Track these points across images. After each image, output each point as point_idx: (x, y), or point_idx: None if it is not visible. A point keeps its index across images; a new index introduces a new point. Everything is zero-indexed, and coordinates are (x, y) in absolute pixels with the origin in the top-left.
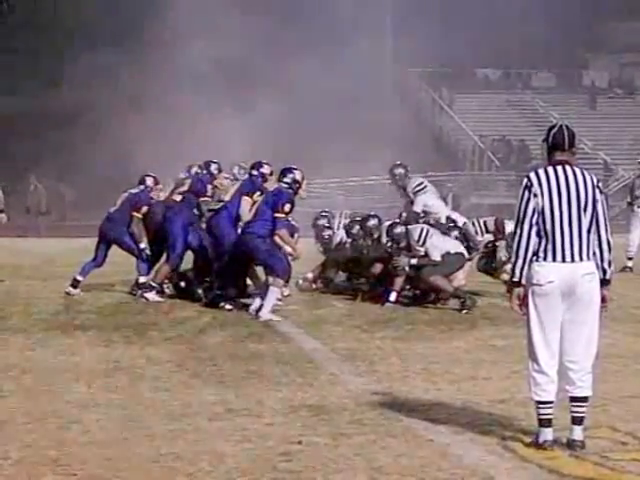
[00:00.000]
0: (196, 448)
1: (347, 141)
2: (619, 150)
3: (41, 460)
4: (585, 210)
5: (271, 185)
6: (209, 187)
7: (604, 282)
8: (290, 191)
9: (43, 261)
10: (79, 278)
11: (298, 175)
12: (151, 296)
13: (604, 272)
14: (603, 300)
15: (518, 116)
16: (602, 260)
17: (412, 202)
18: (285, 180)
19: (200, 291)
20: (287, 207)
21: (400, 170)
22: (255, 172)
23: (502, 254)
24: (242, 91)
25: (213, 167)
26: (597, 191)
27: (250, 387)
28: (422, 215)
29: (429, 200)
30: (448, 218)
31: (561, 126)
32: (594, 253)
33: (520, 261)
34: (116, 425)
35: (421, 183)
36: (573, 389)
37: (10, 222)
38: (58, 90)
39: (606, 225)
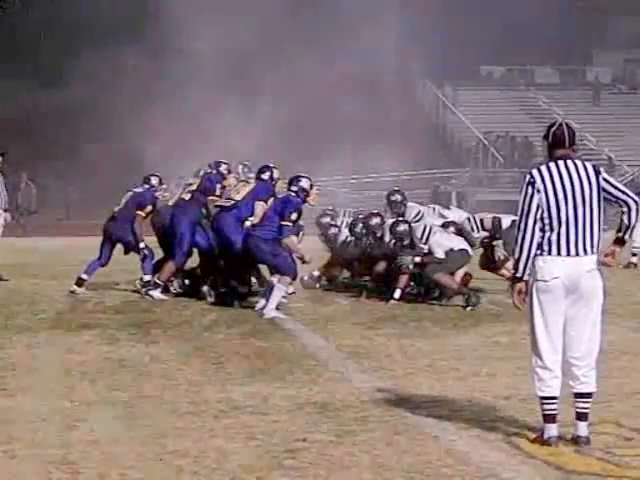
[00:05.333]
0: (201, 446)
1: (351, 138)
2: (623, 146)
3: (47, 458)
4: (590, 203)
5: (278, 189)
6: (218, 186)
7: (620, 241)
8: (298, 200)
9: (47, 260)
10: (84, 277)
11: (306, 183)
12: (156, 294)
13: (626, 231)
14: (612, 255)
15: (522, 112)
16: (629, 219)
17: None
18: (293, 189)
19: (205, 289)
20: (294, 216)
21: (397, 196)
22: (265, 176)
23: (500, 253)
24: (247, 87)
25: (223, 167)
26: (600, 177)
27: (255, 384)
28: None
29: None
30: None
31: (561, 124)
32: (598, 245)
33: (524, 257)
34: (121, 423)
35: (418, 212)
36: (577, 385)
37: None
38: (61, 88)
39: (624, 191)
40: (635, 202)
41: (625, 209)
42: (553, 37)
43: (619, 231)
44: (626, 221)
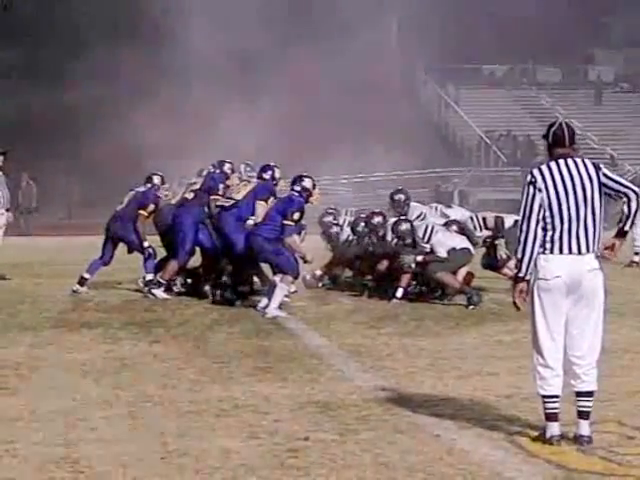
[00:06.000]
0: (204, 445)
1: (353, 137)
2: (625, 145)
3: (49, 457)
4: (592, 201)
5: (280, 188)
6: (221, 186)
7: (621, 232)
8: (301, 199)
9: (50, 259)
10: (86, 276)
11: (308, 183)
12: (159, 293)
13: (626, 222)
14: (612, 248)
15: (524, 111)
16: (629, 210)
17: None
18: (296, 188)
19: (207, 288)
20: (296, 215)
21: (400, 196)
22: (267, 176)
23: (502, 252)
24: (249, 86)
25: (227, 167)
26: (600, 173)
27: (257, 384)
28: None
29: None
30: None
31: (561, 123)
32: (599, 244)
33: (527, 257)
34: (123, 422)
35: (420, 214)
36: (578, 384)
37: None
38: (62, 87)
39: (624, 183)
40: (635, 193)
41: (625, 199)
42: (555, 36)
43: (620, 222)
44: (626, 211)
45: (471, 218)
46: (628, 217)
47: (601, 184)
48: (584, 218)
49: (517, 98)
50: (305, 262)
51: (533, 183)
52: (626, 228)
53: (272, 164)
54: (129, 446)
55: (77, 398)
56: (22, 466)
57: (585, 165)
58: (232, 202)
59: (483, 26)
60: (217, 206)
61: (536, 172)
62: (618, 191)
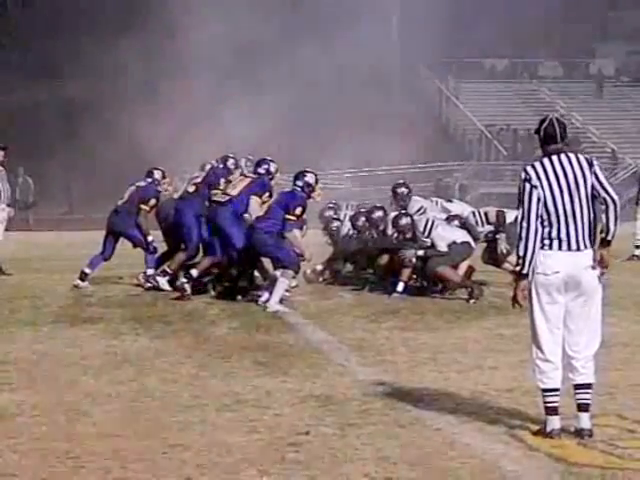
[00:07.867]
0: (204, 439)
1: (354, 131)
2: (626, 138)
3: (50, 452)
4: (586, 197)
5: (276, 182)
6: (222, 180)
7: (606, 242)
8: (303, 195)
9: (51, 254)
10: (87, 271)
11: (311, 179)
12: (162, 281)
13: (607, 232)
14: (601, 262)
15: (524, 105)
16: (607, 219)
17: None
18: (298, 183)
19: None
20: (298, 210)
21: (403, 189)
22: (262, 170)
23: (503, 246)
24: (249, 80)
25: (230, 162)
26: (592, 170)
27: (258, 378)
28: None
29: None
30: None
31: (551, 119)
32: (596, 239)
33: (529, 253)
34: (125, 417)
35: (421, 207)
36: (576, 376)
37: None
38: (63, 82)
39: (607, 189)
40: (613, 201)
41: (604, 207)
42: (556, 30)
43: (601, 232)
44: (604, 219)
45: (473, 213)
46: (608, 226)
47: (593, 182)
48: (580, 214)
49: (518, 92)
50: (303, 260)
51: (528, 180)
52: (609, 238)
53: (268, 158)
54: (130, 441)
55: (78, 393)
56: (23, 461)
57: (579, 161)
58: (227, 197)
59: (484, 20)
60: (213, 201)
61: (530, 169)
62: (599, 194)
